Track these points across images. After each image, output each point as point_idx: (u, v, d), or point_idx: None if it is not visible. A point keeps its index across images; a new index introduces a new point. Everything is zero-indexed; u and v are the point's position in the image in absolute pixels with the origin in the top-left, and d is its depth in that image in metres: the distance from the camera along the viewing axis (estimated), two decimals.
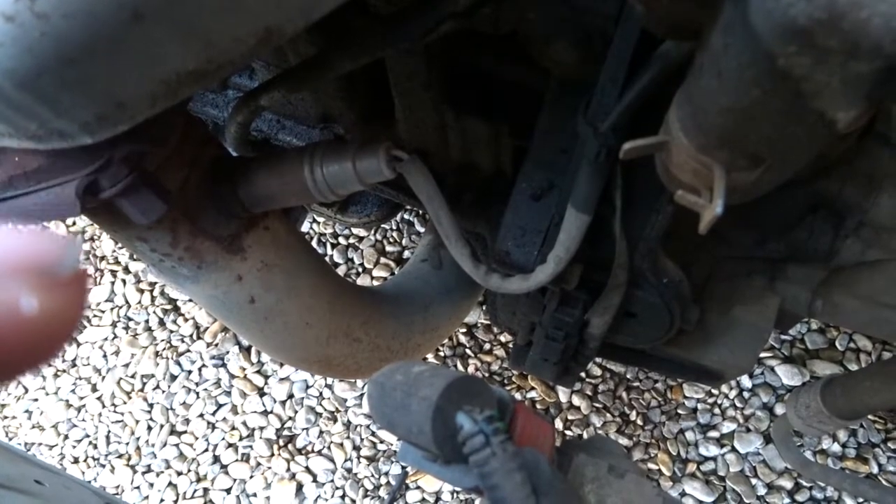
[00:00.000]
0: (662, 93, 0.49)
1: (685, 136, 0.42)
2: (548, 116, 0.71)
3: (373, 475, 1.67)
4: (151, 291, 1.94)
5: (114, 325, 1.93)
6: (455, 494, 1.62)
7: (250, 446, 1.74)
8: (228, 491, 1.71)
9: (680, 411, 1.63)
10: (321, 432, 1.73)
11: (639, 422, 1.63)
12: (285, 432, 1.74)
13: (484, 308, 1.72)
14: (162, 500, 1.73)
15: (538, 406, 1.67)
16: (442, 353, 1.73)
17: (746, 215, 0.75)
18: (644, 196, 0.66)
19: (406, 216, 1.86)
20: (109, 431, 1.83)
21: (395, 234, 1.87)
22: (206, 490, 1.73)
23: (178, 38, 0.40)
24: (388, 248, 1.86)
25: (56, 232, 0.20)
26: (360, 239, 1.88)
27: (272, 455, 1.72)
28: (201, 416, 1.79)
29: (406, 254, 1.84)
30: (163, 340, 1.89)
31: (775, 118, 0.35)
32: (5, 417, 1.90)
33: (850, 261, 0.75)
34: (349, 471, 1.68)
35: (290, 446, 1.72)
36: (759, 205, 0.54)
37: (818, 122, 0.34)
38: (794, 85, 0.32)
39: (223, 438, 1.76)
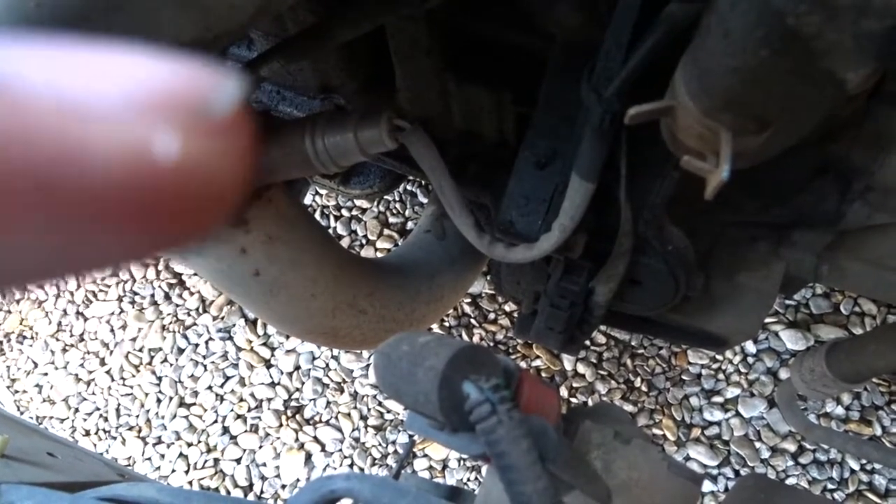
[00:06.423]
0: (668, 57, 0.48)
1: (691, 99, 0.41)
2: (551, 83, 0.70)
3: (380, 444, 1.69)
4: (156, 266, 1.95)
5: (120, 299, 1.94)
6: (462, 462, 1.64)
7: (259, 417, 1.76)
8: (238, 461, 1.74)
9: (684, 377, 1.64)
10: (328, 403, 1.74)
11: (643, 388, 1.64)
12: (293, 403, 1.76)
13: (488, 278, 1.73)
14: (173, 471, 1.76)
15: (543, 374, 1.68)
16: (447, 324, 1.74)
17: (752, 180, 0.75)
18: (649, 163, 0.65)
19: (409, 187, 1.85)
20: (119, 404, 1.86)
21: (398, 205, 1.86)
22: (216, 460, 1.75)
23: (175, 6, 0.40)
24: (392, 220, 1.86)
25: (205, 63, 0.14)
26: (364, 211, 1.88)
27: (280, 426, 1.74)
28: (209, 388, 1.81)
29: (409, 225, 1.84)
30: (169, 314, 1.90)
31: (783, 79, 0.35)
32: (16, 392, 1.93)
33: (857, 225, 0.74)
34: (357, 440, 1.70)
35: (297, 417, 1.74)
36: (765, 169, 0.53)
37: (827, 82, 0.34)
38: (803, 44, 0.31)
39: (232, 410, 1.78)
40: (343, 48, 0.82)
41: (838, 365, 0.94)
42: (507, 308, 1.75)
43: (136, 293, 1.94)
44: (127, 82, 0.13)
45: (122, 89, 0.13)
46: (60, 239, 0.13)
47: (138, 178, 0.13)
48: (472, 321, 1.74)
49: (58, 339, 1.95)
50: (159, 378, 1.85)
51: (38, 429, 0.88)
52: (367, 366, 1.75)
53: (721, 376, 1.63)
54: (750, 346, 1.63)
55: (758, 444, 1.56)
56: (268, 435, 1.75)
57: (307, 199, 1.88)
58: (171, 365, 1.86)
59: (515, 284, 0.86)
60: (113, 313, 1.94)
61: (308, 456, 1.71)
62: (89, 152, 0.13)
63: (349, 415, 1.73)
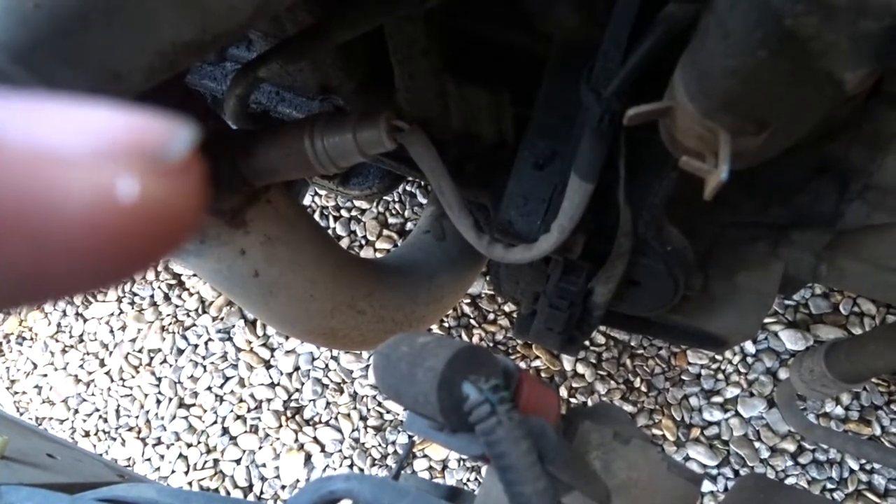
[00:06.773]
0: (667, 57, 0.48)
1: (690, 100, 0.41)
2: (550, 83, 0.70)
3: (380, 444, 1.69)
4: (155, 266, 1.95)
5: (119, 300, 1.94)
6: (462, 462, 1.64)
7: (258, 418, 1.76)
8: (238, 462, 1.74)
9: (684, 377, 1.64)
10: (328, 403, 1.74)
11: (643, 388, 1.64)
12: (293, 404, 1.76)
13: (487, 278, 1.73)
14: (173, 472, 1.76)
15: (543, 375, 1.68)
16: (446, 324, 1.74)
17: (751, 180, 0.75)
18: (648, 163, 0.65)
19: (408, 188, 1.85)
20: (119, 405, 1.85)
21: (397, 205, 1.86)
22: (216, 461, 1.75)
23: (174, 7, 0.40)
24: (391, 220, 1.86)
25: (160, 113, 0.16)
26: (363, 211, 1.88)
27: (280, 426, 1.74)
28: (209, 388, 1.81)
29: (409, 225, 1.84)
30: (168, 315, 1.90)
31: (782, 80, 0.35)
32: (16, 393, 1.93)
33: (856, 224, 0.74)
34: (356, 440, 1.70)
35: (297, 417, 1.74)
36: (764, 169, 0.53)
37: (825, 82, 0.34)
38: (801, 45, 0.31)
39: (231, 411, 1.78)
40: (341, 49, 0.82)
41: (837, 365, 0.94)
42: (506, 308, 1.75)
43: (135, 294, 1.94)
44: (94, 132, 0.15)
45: (89, 139, 0.15)
46: (33, 268, 0.15)
47: (103, 215, 0.15)
48: (472, 322, 1.74)
49: (57, 341, 1.95)
50: (159, 379, 1.85)
51: (38, 430, 0.88)
52: (367, 366, 1.75)
53: (720, 376, 1.63)
54: (749, 347, 1.63)
55: (757, 444, 1.56)
56: (267, 436, 1.75)
57: (306, 200, 1.88)
58: (171, 366, 1.86)
59: (514, 285, 0.86)
60: (112, 314, 1.94)
61: (308, 456, 1.71)
62: (60, 194, 0.14)
63: (349, 415, 1.73)
